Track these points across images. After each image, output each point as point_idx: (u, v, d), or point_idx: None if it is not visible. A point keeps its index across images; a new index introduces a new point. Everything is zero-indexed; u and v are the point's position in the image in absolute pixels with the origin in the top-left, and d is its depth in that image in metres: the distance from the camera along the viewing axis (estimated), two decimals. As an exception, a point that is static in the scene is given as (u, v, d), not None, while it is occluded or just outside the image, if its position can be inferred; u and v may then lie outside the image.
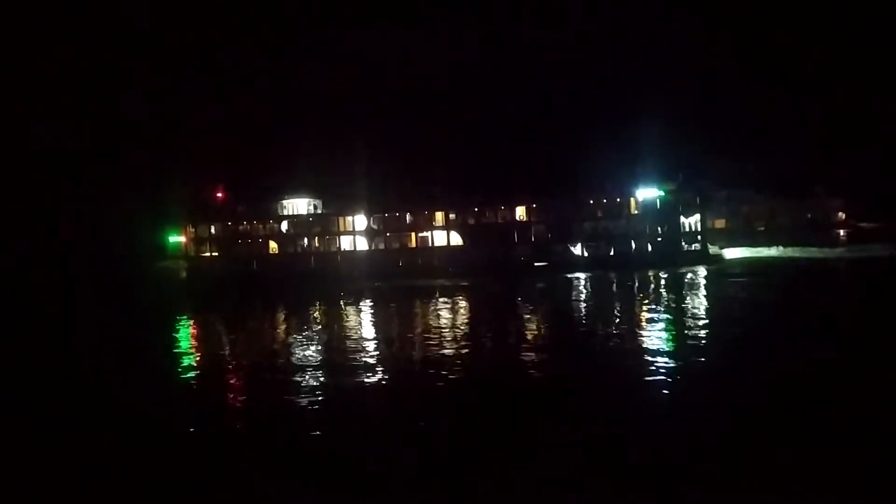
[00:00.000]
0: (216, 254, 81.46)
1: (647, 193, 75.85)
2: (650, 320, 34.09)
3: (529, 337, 31.46)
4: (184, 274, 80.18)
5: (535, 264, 74.03)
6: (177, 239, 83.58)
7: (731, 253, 75.97)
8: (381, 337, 33.39)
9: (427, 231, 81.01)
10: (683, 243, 74.98)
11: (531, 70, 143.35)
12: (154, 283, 75.48)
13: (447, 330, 33.19)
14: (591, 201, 77.65)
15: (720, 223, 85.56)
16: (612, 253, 74.89)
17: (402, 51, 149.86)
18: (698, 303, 41.59)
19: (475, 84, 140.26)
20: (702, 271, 63.69)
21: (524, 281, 63.38)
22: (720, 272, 61.63)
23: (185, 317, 46.61)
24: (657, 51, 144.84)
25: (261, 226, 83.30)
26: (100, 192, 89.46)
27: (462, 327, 35.27)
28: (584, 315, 39.86)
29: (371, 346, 29.93)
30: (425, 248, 79.83)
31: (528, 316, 40.62)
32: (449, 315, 40.45)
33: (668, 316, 35.36)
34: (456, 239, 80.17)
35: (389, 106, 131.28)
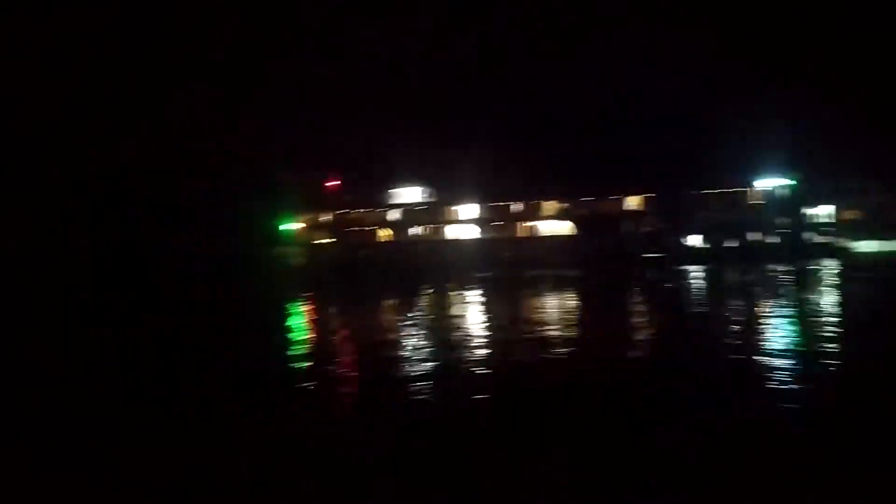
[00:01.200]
0: (329, 241, 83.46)
1: (771, 183, 72.30)
2: (776, 317, 32.23)
3: (646, 332, 30.36)
4: (298, 260, 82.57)
5: (649, 255, 71.99)
6: (291, 226, 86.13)
7: (862, 247, 71.42)
8: (494, 326, 33.05)
9: (537, 220, 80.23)
10: (810, 236, 71.07)
11: (646, 55, 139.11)
12: (270, 269, 77.91)
13: (558, 322, 32.45)
14: (710, 191, 74.74)
15: (851, 215, 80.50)
16: (731, 245, 71.87)
17: (512, 40, 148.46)
18: (829, 300, 39.11)
19: (588, 70, 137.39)
20: (830, 266, 60.08)
21: (637, 272, 61.63)
22: (850, 267, 57.95)
23: (302, 301, 47.86)
24: (785, 34, 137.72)
25: (373, 213, 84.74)
26: (218, 181, 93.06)
27: (573, 319, 34.45)
28: (704, 310, 38.19)
29: (483, 333, 29.62)
30: (535, 238, 79.12)
31: (644, 309, 39.41)
32: (559, 306, 39.73)
33: (797, 314, 33.34)
34: (566, 228, 78.98)
35: (501, 93, 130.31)
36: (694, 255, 70.53)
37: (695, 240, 73.84)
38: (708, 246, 72.56)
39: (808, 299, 39.12)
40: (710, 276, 57.65)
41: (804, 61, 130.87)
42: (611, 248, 73.12)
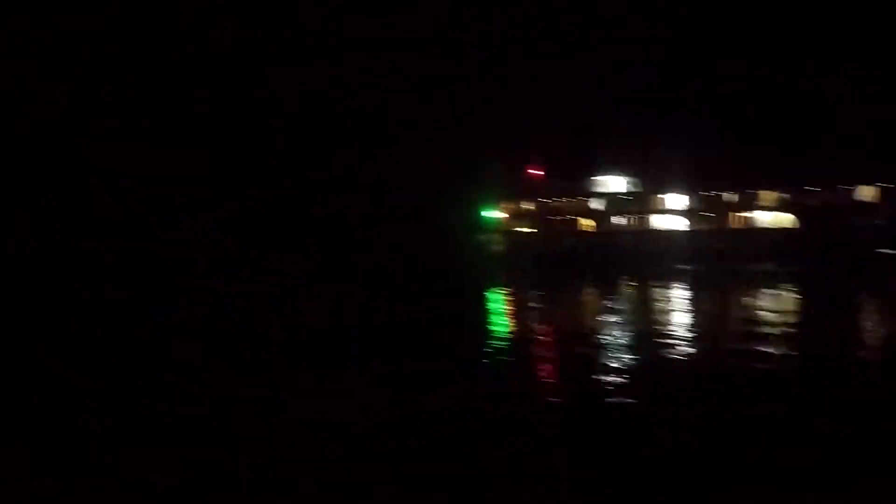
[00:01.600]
0: (531, 230, 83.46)
1: None
2: None
3: (877, 338, 27.17)
4: (500, 248, 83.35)
5: (884, 251, 64.81)
6: (494, 214, 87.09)
7: None
8: (700, 324, 31.24)
9: (752, 211, 75.08)
10: None
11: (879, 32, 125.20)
12: (473, 256, 79.29)
13: (775, 323, 29.89)
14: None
15: None
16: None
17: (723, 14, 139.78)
18: None
19: (810, 45, 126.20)
20: None
21: (869, 271, 55.72)
22: None
23: (503, 290, 48.19)
24: None
25: (575, 202, 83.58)
26: (424, 167, 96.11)
27: (793, 320, 31.64)
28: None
29: (687, 332, 28.02)
30: (749, 230, 74.10)
31: (875, 312, 35.35)
32: (776, 305, 36.61)
33: None
34: (785, 221, 73.23)
35: (712, 78, 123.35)
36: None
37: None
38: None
39: None
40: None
41: None
42: (839, 242, 66.72)
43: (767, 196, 74.58)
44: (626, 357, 22.53)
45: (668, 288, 46.05)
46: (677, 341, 24.96)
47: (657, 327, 28.38)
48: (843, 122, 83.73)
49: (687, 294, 43.95)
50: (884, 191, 69.81)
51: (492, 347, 24.76)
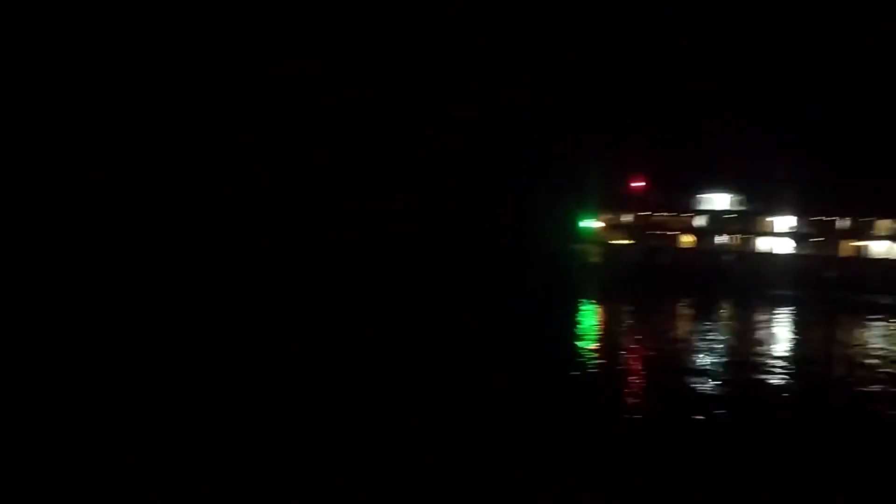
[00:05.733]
0: (629, 241, 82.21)
1: None
2: None
3: None
4: (596, 259, 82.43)
5: None
6: (592, 224, 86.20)
7: None
8: (798, 353, 30.30)
9: (865, 240, 71.64)
10: None
11: None
12: (569, 265, 78.71)
13: (882, 359, 28.63)
14: None
15: None
16: None
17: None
18: None
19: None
20: None
21: None
22: None
23: (595, 302, 47.91)
24: None
25: (676, 218, 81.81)
26: (531, 177, 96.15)
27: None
28: None
29: (783, 363, 27.22)
30: (861, 259, 70.72)
31: None
32: (885, 340, 35.00)
33: None
34: (901, 252, 69.59)
35: (825, 94, 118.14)
36: None
37: None
38: None
39: None
40: None
41: None
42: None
43: (883, 225, 71.02)
44: (710, 388, 22.16)
45: (768, 314, 44.63)
46: (767, 374, 24.36)
47: (746, 356, 27.69)
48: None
49: (785, 322, 42.54)
50: None
51: (575, 363, 24.90)
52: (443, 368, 22.22)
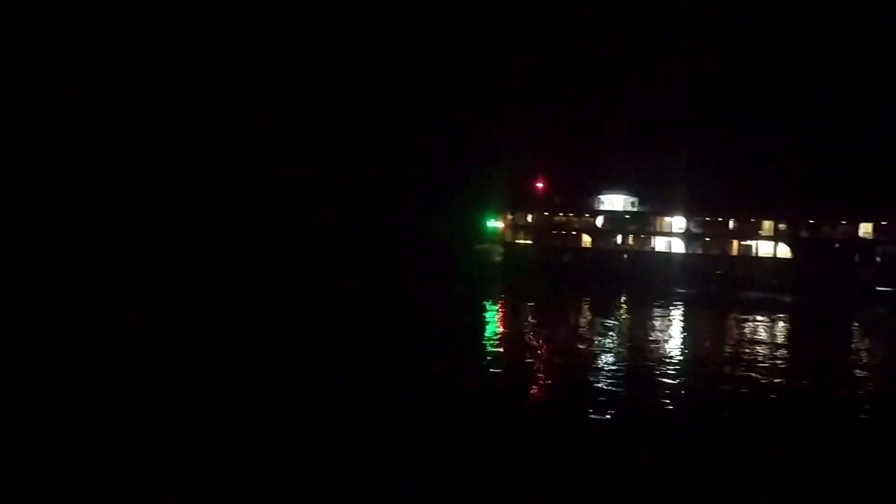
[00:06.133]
0: (531, 242, 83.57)
1: None
2: None
3: (863, 375, 27.29)
4: (499, 258, 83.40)
5: (879, 289, 65.04)
6: (495, 224, 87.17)
7: None
8: (686, 347, 31.43)
9: (751, 240, 75.26)
10: None
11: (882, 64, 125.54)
12: (471, 265, 79.28)
13: (762, 351, 30.06)
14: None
15: None
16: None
17: (728, 43, 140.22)
18: None
19: (816, 76, 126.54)
20: None
21: (863, 307, 56.04)
22: None
23: (496, 300, 48.32)
24: None
25: (576, 218, 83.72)
26: (432, 175, 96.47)
27: (780, 350, 31.76)
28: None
29: (674, 354, 28.20)
30: (747, 258, 74.22)
31: (866, 349, 35.55)
32: (766, 335, 36.83)
33: None
34: (784, 251, 73.40)
35: (715, 101, 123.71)
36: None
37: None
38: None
39: None
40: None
41: None
42: (836, 277, 66.88)
43: (768, 226, 74.78)
44: (609, 377, 22.72)
45: (662, 311, 46.25)
46: (659, 362, 25.21)
47: (637, 350, 28.58)
48: (849, 157, 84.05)
49: (679, 317, 44.16)
50: (883, 227, 70.05)
51: (478, 357, 25.03)
52: (338, 373, 21.67)
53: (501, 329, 35.25)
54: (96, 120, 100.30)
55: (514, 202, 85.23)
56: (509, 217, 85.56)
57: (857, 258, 68.97)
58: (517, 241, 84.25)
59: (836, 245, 70.35)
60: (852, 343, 37.17)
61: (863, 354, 33.41)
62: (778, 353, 29.79)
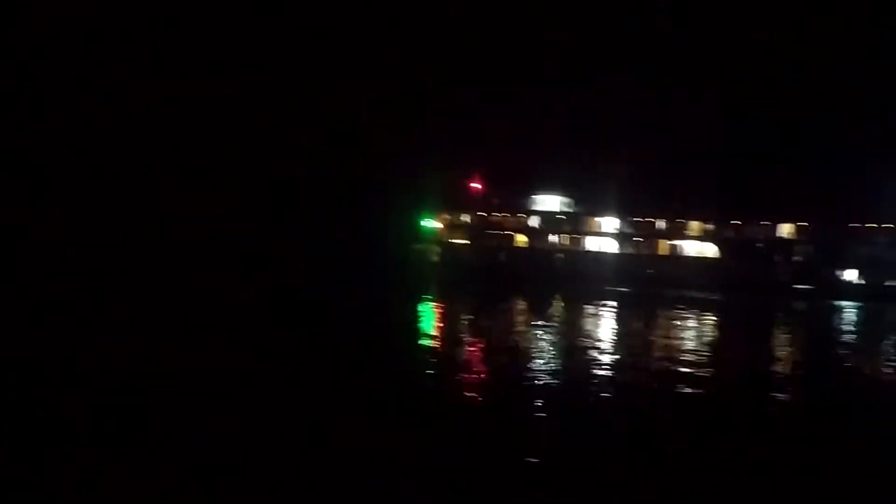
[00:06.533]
0: (467, 242, 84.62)
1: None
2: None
3: (781, 366, 29.02)
4: (435, 258, 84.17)
5: (799, 287, 68.25)
6: (431, 224, 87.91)
7: None
8: (615, 343, 32.69)
9: (680, 240, 77.93)
10: None
11: (813, 73, 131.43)
12: (407, 264, 79.78)
13: (688, 346, 31.62)
14: (871, 224, 69.96)
15: None
16: (891, 284, 66.99)
17: (659, 42, 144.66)
18: None
19: (742, 83, 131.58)
20: None
21: (783, 303, 58.75)
22: None
23: (431, 299, 48.95)
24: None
25: (512, 218, 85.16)
26: (366, 175, 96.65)
27: (705, 345, 33.38)
28: (849, 351, 35.84)
29: (605, 348, 29.36)
30: (676, 258, 76.87)
31: (784, 343, 37.67)
32: (693, 330, 38.66)
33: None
34: (711, 251, 76.23)
35: (651, 106, 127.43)
36: (849, 291, 66.20)
37: (851, 275, 69.30)
38: (865, 282, 67.87)
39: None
40: (863, 315, 53.95)
41: None
42: (758, 275, 69.91)
43: (695, 226, 77.55)
44: (544, 373, 23.65)
45: (594, 308, 47.69)
46: (593, 358, 26.31)
47: (571, 347, 29.68)
48: (771, 161, 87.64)
49: (610, 315, 45.61)
50: (802, 228, 73.48)
51: (415, 357, 25.63)
52: (261, 378, 21.62)
53: (435, 329, 35.91)
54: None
55: (451, 202, 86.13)
56: (446, 217, 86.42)
57: (776, 258, 72.24)
58: (454, 241, 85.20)
59: (758, 245, 73.50)
60: (770, 337, 39.09)
61: (778, 347, 35.29)
62: (701, 347, 31.28)
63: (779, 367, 28.15)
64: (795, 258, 72.45)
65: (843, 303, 61.26)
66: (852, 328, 46.36)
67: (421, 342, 29.70)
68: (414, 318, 38.70)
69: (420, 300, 47.15)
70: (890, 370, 28.56)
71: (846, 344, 37.72)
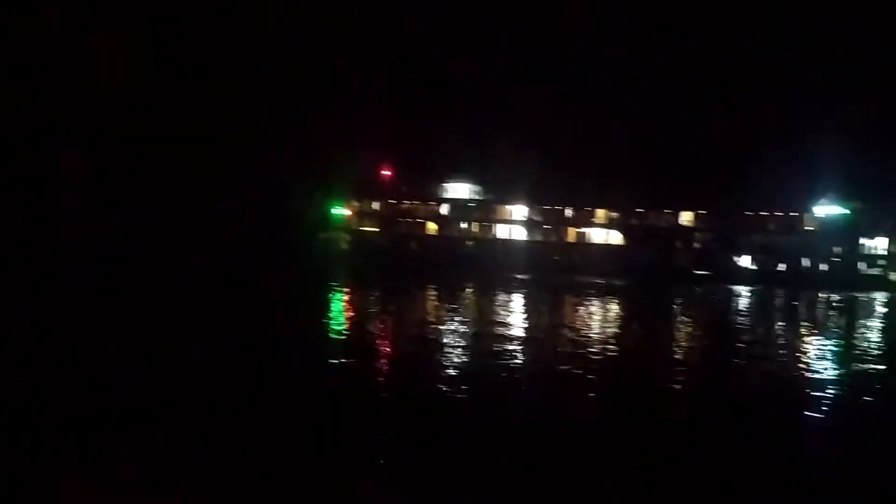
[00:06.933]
0: (377, 229, 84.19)
1: (826, 210, 70.74)
2: (813, 342, 31.72)
3: (679, 345, 30.15)
4: (344, 246, 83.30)
5: (697, 272, 71.01)
6: (341, 211, 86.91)
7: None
8: (526, 327, 33.22)
9: (586, 227, 79.76)
10: (862, 267, 69.33)
11: (710, 70, 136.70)
12: (315, 252, 78.67)
13: (595, 328, 32.49)
14: (763, 213, 73.46)
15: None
16: (781, 269, 70.55)
17: (570, 38, 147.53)
18: (871, 329, 38.25)
19: (646, 79, 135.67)
20: (880, 297, 58.52)
21: (683, 288, 61.05)
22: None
23: (341, 287, 48.53)
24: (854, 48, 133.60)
25: (422, 206, 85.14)
26: (272, 163, 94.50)
27: (610, 327, 34.38)
28: (742, 330, 37.57)
29: (514, 334, 29.77)
30: (583, 245, 78.68)
31: (682, 324, 39.27)
32: (599, 314, 39.81)
33: (835, 341, 32.75)
34: (616, 238, 78.37)
35: (557, 95, 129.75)
36: (744, 276, 69.42)
37: (745, 260, 72.67)
38: (757, 268, 71.34)
39: (851, 327, 38.34)
40: (755, 298, 56.75)
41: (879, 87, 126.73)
42: (660, 261, 72.35)
43: (601, 214, 79.52)
44: (456, 358, 23.81)
45: (503, 294, 48.36)
46: (504, 344, 26.68)
47: (480, 332, 30.04)
48: (669, 151, 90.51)
49: (519, 301, 46.35)
50: (700, 216, 76.44)
51: (324, 346, 25.37)
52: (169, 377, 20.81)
53: (344, 317, 35.63)
54: None
55: (361, 190, 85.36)
56: (355, 204, 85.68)
57: (678, 244, 74.97)
58: (363, 229, 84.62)
59: (660, 232, 76.06)
60: (670, 319, 40.57)
61: (678, 329, 36.71)
62: (605, 330, 32.18)
63: (671, 349, 29.24)
64: (695, 245, 75.35)
65: (738, 287, 64.19)
66: (743, 310, 48.75)
67: (323, 331, 29.34)
68: (318, 306, 38.25)
69: (327, 288, 46.63)
70: (774, 351, 30.07)
71: (736, 326, 39.61)
